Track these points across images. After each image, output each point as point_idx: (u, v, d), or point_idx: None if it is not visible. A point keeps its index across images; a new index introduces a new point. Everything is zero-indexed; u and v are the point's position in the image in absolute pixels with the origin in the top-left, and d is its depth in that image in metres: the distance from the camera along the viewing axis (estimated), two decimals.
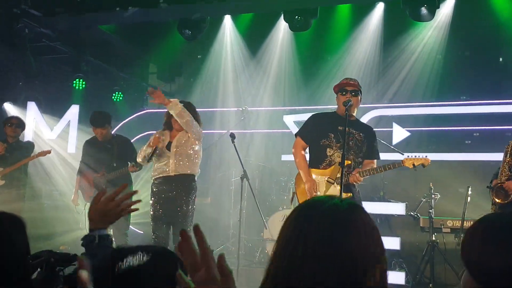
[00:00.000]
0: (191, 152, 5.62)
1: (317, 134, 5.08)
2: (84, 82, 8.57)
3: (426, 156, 4.79)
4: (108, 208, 2.11)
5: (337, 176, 4.88)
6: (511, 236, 1.46)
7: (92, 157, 6.70)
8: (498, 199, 4.92)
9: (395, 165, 4.75)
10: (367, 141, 5.13)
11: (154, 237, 5.61)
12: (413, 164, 4.55)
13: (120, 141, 6.81)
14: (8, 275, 1.80)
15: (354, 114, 5.18)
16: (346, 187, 4.85)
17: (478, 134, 7.83)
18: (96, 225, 2.12)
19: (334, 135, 4.98)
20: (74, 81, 8.50)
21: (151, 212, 5.62)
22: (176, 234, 5.57)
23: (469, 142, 7.85)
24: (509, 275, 1.40)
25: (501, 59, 8.04)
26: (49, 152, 7.17)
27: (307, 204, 1.46)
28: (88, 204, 6.50)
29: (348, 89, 4.96)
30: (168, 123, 5.76)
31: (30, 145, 7.23)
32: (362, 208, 1.42)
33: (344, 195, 4.81)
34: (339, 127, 4.96)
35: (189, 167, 5.59)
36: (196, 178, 5.70)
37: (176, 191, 5.54)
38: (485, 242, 1.49)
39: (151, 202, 5.66)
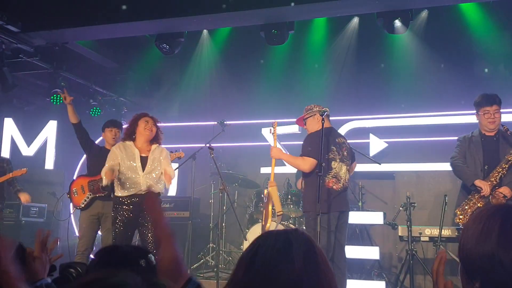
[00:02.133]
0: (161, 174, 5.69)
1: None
2: (61, 98, 8.53)
3: None
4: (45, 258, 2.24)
5: None
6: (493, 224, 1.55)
7: (94, 160, 6.50)
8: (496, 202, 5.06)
9: None
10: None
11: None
12: None
13: None
14: None
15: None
16: None
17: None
18: (41, 276, 2.20)
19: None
20: (52, 97, 8.46)
21: (115, 228, 5.51)
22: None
23: (445, 151, 7.95)
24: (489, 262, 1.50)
25: (486, 70, 8.19)
26: (24, 171, 7.07)
27: None
28: (77, 212, 6.42)
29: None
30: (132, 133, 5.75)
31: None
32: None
33: None
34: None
35: (158, 187, 5.64)
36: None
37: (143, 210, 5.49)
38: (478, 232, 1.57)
39: (115, 219, 5.56)
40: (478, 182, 5.17)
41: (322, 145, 5.00)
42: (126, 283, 0.81)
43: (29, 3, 7.35)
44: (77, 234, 8.93)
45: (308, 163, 5.19)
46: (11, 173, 6.96)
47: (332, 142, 5.24)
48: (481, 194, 5.14)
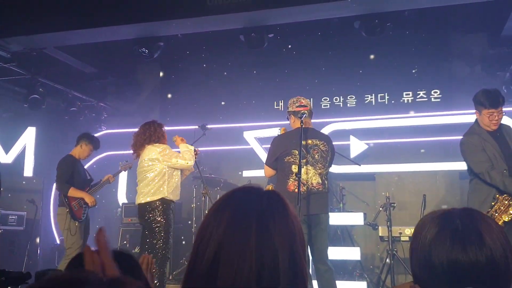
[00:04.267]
0: None
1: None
2: (40, 104, 8.45)
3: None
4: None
5: None
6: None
7: (81, 174, 6.85)
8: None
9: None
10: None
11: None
12: None
13: None
14: None
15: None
16: None
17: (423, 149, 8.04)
18: None
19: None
20: (30, 103, 8.37)
21: (170, 232, 5.74)
22: None
23: (424, 152, 8.06)
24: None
25: (463, 71, 8.30)
26: None
27: None
28: (77, 223, 6.45)
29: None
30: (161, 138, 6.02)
31: None
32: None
33: None
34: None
35: None
36: None
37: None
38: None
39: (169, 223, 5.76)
40: None
41: (289, 147, 5.06)
42: (88, 279, 0.80)
43: (5, 8, 7.27)
44: (58, 242, 8.87)
45: (265, 171, 5.40)
46: None
47: (294, 146, 5.02)
48: None
